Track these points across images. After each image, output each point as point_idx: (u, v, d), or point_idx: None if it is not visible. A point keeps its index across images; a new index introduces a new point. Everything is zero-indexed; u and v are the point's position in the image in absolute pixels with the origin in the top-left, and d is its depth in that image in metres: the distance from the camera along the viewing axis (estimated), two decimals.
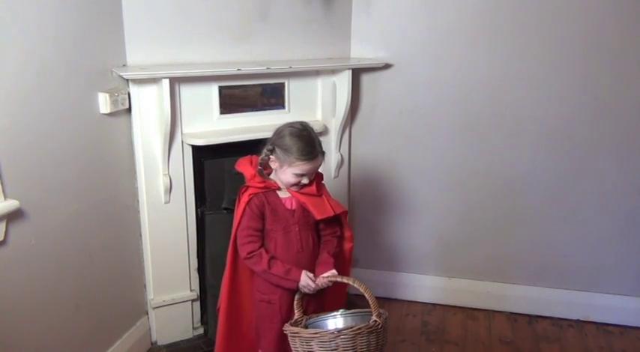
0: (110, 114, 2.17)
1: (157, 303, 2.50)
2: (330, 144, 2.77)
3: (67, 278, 2.02)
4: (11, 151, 1.71)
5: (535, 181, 2.74)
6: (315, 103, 2.71)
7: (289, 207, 1.86)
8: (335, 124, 2.74)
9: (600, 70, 2.54)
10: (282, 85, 2.59)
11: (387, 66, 2.74)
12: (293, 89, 2.62)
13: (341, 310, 1.80)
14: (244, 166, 1.91)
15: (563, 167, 2.69)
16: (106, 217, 2.23)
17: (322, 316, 1.81)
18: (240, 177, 2.55)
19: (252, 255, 1.80)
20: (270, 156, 1.84)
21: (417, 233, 2.95)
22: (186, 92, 2.35)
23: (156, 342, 2.58)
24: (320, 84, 2.69)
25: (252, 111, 2.55)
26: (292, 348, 1.76)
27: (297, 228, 1.85)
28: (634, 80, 2.52)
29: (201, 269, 2.59)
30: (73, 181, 2.02)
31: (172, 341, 2.59)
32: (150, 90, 2.27)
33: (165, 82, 2.20)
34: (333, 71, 2.67)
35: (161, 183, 2.39)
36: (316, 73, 2.66)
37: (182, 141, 2.39)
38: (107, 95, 2.12)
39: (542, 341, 2.68)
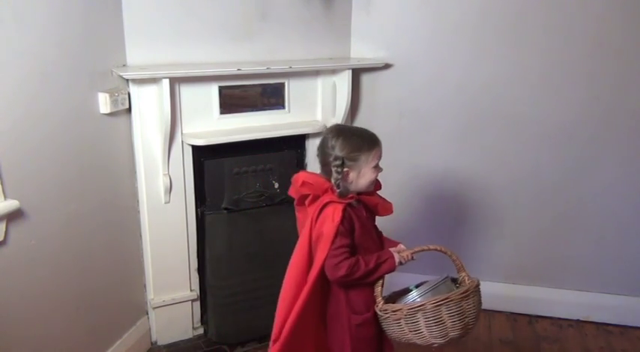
0: (110, 114, 2.17)
1: (157, 303, 2.51)
2: None
3: (67, 278, 2.03)
4: (11, 151, 1.71)
5: (536, 181, 2.74)
6: (315, 103, 2.71)
7: (365, 214, 1.78)
8: None
9: (603, 70, 2.54)
10: (282, 85, 2.59)
11: (387, 66, 2.74)
12: (293, 89, 2.62)
13: (413, 288, 1.76)
14: (314, 178, 1.73)
15: (564, 167, 2.69)
16: (106, 217, 2.23)
17: (401, 298, 1.75)
18: (239, 176, 2.57)
19: (351, 269, 1.65)
20: (344, 170, 1.68)
21: (416, 233, 2.94)
22: (186, 92, 2.35)
23: (156, 342, 2.58)
24: (320, 84, 2.69)
25: (252, 111, 2.55)
26: (406, 330, 1.65)
27: (373, 233, 1.82)
28: (636, 80, 2.52)
29: (201, 270, 2.59)
30: (73, 181, 2.02)
31: (172, 341, 2.59)
32: (150, 90, 2.27)
33: (166, 82, 2.20)
34: (333, 71, 2.67)
35: (161, 183, 2.39)
36: (316, 73, 2.66)
37: (182, 141, 2.39)
38: (107, 95, 2.12)
39: (542, 341, 2.68)
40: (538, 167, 2.72)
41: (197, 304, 2.63)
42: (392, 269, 1.72)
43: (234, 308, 2.60)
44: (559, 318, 2.86)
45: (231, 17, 2.43)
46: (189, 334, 2.63)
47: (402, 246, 1.80)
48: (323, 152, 1.73)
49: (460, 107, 2.73)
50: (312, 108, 2.71)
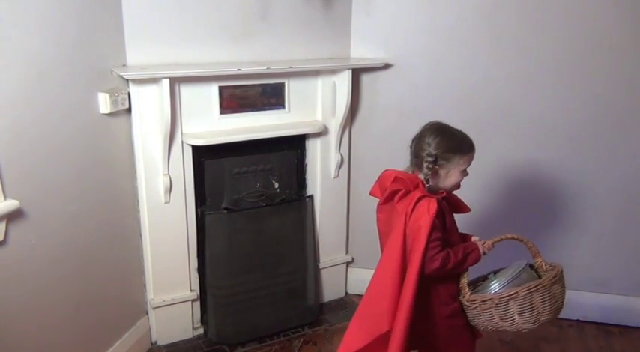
0: (110, 114, 2.17)
1: (157, 303, 2.51)
2: (330, 144, 2.77)
3: (67, 278, 2.03)
4: (11, 151, 1.71)
5: (535, 181, 2.74)
6: (315, 103, 2.71)
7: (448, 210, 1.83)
8: (335, 124, 2.74)
9: (601, 69, 2.54)
10: (282, 85, 2.59)
11: (387, 66, 2.74)
12: (293, 89, 2.62)
13: (492, 276, 1.78)
14: (405, 174, 1.79)
15: (564, 167, 2.69)
16: (106, 217, 2.23)
17: (482, 286, 1.78)
18: (239, 176, 2.57)
19: (444, 261, 1.69)
20: (435, 167, 1.73)
21: None
22: (186, 92, 2.35)
23: (156, 342, 2.58)
24: (320, 84, 2.69)
25: (252, 111, 2.56)
26: (496, 318, 1.68)
27: (457, 228, 1.85)
28: (635, 79, 2.52)
29: (201, 270, 2.59)
30: (73, 181, 2.03)
31: (172, 341, 2.59)
32: (150, 90, 2.27)
33: (165, 82, 2.20)
34: (333, 71, 2.67)
35: (161, 183, 2.39)
36: (316, 73, 2.66)
37: (182, 141, 2.39)
38: (107, 95, 2.12)
39: (542, 341, 2.68)
40: (537, 167, 2.72)
41: (197, 304, 2.63)
42: (478, 260, 1.76)
43: (234, 308, 2.60)
44: (559, 318, 2.85)
45: (231, 17, 2.43)
46: (189, 334, 2.63)
47: (476, 238, 1.84)
48: (418, 145, 1.78)
49: (460, 107, 2.72)
50: (312, 108, 2.71)
